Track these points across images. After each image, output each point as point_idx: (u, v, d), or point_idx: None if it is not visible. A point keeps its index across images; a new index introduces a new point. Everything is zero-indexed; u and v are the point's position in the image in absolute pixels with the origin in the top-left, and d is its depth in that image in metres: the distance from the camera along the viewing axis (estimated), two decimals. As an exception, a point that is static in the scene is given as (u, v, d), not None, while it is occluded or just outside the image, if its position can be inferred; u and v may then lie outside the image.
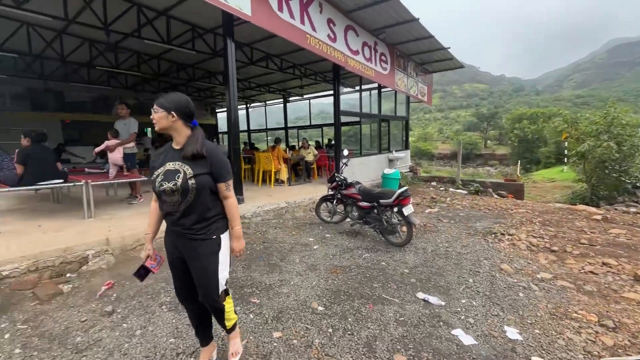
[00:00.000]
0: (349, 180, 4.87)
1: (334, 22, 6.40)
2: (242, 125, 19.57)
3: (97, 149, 5.06)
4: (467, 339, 2.28)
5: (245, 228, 4.77)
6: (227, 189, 1.74)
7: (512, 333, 2.36)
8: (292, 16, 5.39)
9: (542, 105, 55.56)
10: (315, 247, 4.24)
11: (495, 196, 8.66)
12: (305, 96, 16.06)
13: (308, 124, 15.12)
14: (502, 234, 4.82)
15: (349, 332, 2.34)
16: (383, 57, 8.34)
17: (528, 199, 10.51)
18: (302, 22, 5.62)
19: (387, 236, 4.40)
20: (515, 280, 3.24)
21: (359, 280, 3.25)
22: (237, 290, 2.94)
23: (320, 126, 14.98)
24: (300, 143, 8.67)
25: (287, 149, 11.39)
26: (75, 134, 14.60)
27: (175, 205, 1.66)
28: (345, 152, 5.27)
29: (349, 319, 2.52)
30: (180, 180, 1.62)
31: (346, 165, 5.17)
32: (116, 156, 5.08)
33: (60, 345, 2.15)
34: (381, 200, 4.26)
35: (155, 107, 1.67)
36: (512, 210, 6.60)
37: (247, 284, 3.09)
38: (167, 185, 1.62)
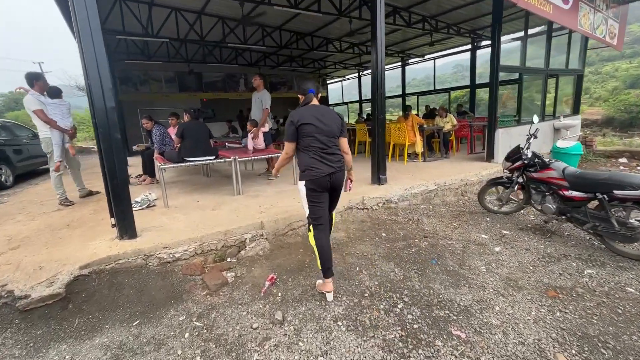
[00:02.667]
0: (546, 159, 3.48)
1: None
2: (353, 96, 18.83)
3: (249, 146, 5.00)
4: None
5: (394, 215, 4.02)
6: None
7: None
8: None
9: None
10: (496, 249, 3.16)
11: None
12: (426, 57, 14.03)
13: (432, 88, 13.17)
14: None
15: None
16: (564, -15, 6.03)
17: None
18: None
19: (613, 242, 2.97)
20: None
21: (609, 319, 2.09)
22: (424, 310, 2.19)
23: (447, 90, 12.87)
24: (436, 110, 7.28)
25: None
26: (210, 112, 16.51)
27: None
28: (536, 120, 3.81)
29: (653, 408, 1.46)
30: None
31: (535, 137, 3.73)
32: (260, 140, 4.98)
33: (239, 361, 1.79)
34: (617, 191, 2.81)
35: None
36: None
37: (432, 300, 2.31)
38: None
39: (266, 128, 5.15)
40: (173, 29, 8.78)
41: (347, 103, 18.97)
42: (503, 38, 5.88)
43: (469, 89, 11.49)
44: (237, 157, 4.18)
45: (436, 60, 13.30)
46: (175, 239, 2.76)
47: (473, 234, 3.55)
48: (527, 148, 3.69)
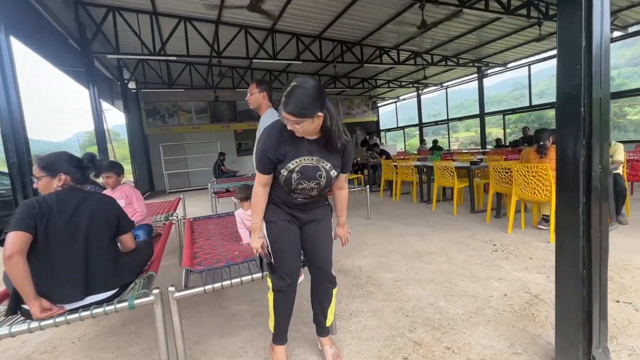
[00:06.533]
0: None
1: None
2: (402, 120, 15.92)
3: (243, 235, 2.37)
4: None
5: None
6: None
7: None
8: None
9: None
10: None
11: None
12: (509, 65, 10.79)
13: (527, 104, 9.72)
14: None
15: None
16: None
17: None
18: None
19: None
20: None
21: None
22: None
23: (541, 107, 9.28)
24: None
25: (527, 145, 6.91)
26: (248, 144, 14.78)
27: None
28: None
29: None
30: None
31: None
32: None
33: None
34: None
35: None
36: None
37: None
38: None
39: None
40: (184, 47, 6.96)
41: (402, 128, 16.07)
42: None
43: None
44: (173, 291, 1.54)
45: (486, 80, 10.30)
46: None
47: None
48: None
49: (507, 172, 3.87)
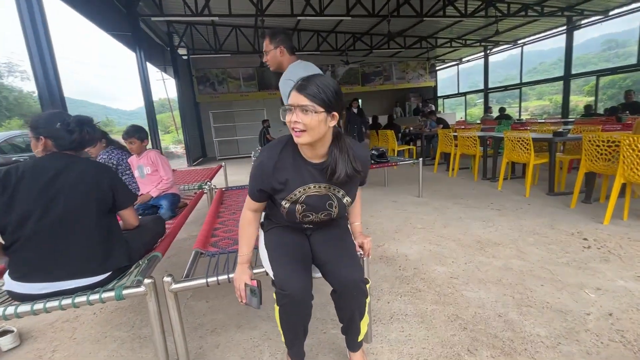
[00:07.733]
0: None
1: None
2: (462, 86, 14.11)
3: None
4: None
5: None
6: None
7: None
8: None
9: None
10: None
11: None
12: (612, 12, 8.64)
13: (636, 61, 7.76)
14: None
15: None
16: None
17: None
18: None
19: None
20: None
21: None
22: None
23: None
24: None
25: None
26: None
27: None
28: None
29: None
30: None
31: None
32: None
33: None
34: None
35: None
36: None
37: None
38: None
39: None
40: (226, 6, 6.58)
41: (464, 94, 14.37)
42: None
43: None
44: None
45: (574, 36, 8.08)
46: None
47: None
48: None
49: (610, 146, 2.99)
